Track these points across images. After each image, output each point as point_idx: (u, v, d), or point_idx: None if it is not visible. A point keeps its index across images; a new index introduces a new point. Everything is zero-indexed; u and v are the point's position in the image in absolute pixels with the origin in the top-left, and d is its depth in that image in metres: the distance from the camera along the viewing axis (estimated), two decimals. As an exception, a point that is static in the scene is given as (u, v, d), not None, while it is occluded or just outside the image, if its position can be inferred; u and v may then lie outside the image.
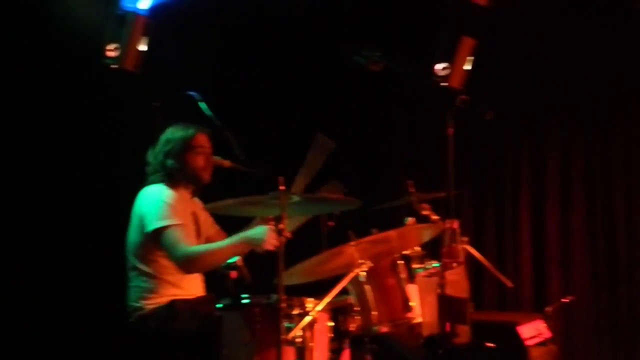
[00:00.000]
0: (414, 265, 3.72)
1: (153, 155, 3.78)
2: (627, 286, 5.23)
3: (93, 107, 4.84)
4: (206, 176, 3.76)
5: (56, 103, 4.81)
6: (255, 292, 3.43)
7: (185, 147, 3.72)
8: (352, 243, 3.50)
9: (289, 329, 3.20)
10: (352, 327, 3.57)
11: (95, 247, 4.79)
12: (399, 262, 3.67)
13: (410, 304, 3.61)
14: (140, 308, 3.64)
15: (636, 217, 5.26)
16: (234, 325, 3.30)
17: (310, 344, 3.27)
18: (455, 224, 3.54)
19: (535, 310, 5.07)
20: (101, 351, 4.59)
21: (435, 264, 3.72)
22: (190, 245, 3.53)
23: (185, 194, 3.77)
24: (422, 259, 3.77)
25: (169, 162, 3.73)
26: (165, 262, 3.61)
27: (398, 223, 3.78)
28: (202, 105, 3.99)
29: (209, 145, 3.79)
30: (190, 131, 3.75)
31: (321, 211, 3.72)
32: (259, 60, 5.21)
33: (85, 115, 4.85)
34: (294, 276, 3.42)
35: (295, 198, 3.22)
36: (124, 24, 4.35)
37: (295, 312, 3.27)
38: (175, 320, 3.57)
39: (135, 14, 4.38)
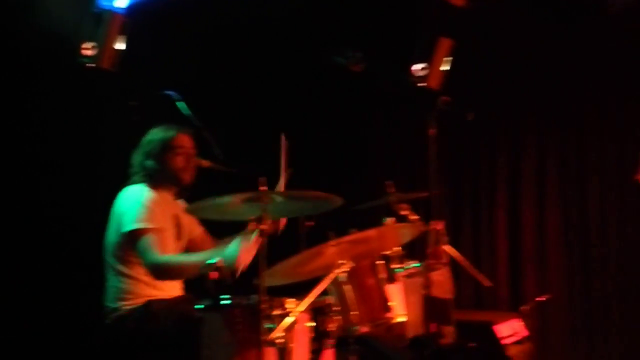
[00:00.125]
0: (394, 266, 3.73)
1: (135, 156, 3.75)
2: (601, 284, 5.30)
3: (70, 106, 4.78)
4: (186, 177, 3.74)
5: (32, 102, 4.75)
6: (236, 292, 3.41)
7: (164, 148, 3.70)
8: (332, 243, 3.49)
9: (270, 330, 3.19)
10: (332, 327, 3.56)
11: (71, 247, 4.73)
12: (378, 262, 3.67)
13: (390, 304, 3.61)
14: (117, 309, 3.61)
15: (610, 216, 5.33)
16: (214, 326, 3.27)
17: (291, 345, 3.25)
18: (440, 225, 3.56)
19: (512, 309, 5.12)
20: (77, 352, 4.54)
21: (415, 264, 3.74)
22: (162, 253, 3.51)
23: (167, 195, 3.74)
24: (401, 259, 3.78)
25: (149, 162, 3.71)
26: (143, 263, 3.59)
27: (377, 223, 3.79)
28: (181, 104, 3.97)
29: (191, 146, 3.77)
30: (171, 132, 3.73)
31: (302, 212, 3.70)
32: (238, 60, 5.19)
33: (62, 114, 4.80)
34: (274, 277, 3.41)
35: (278, 198, 3.20)
36: (100, 22, 4.31)
37: (276, 312, 3.26)
38: (152, 321, 3.55)
39: (112, 13, 4.34)
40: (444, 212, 3.76)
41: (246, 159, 4.00)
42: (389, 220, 3.83)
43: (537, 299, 4.84)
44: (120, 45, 4.35)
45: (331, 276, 3.39)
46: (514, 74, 5.46)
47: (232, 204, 3.20)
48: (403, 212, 4.03)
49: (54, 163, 4.77)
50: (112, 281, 3.65)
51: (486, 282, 4.34)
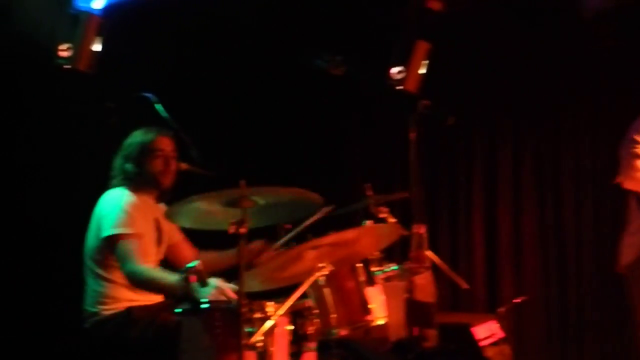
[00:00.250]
0: (373, 269, 3.74)
1: (116, 159, 3.72)
2: (577, 286, 5.36)
3: (46, 108, 4.73)
4: (166, 180, 3.72)
5: (7, 104, 4.70)
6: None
7: (143, 151, 3.68)
8: (311, 244, 3.47)
9: (250, 334, 3.18)
10: (311, 330, 3.56)
11: (50, 250, 4.69)
12: (358, 265, 3.68)
13: (369, 306, 3.62)
14: (96, 313, 3.59)
15: (585, 219, 5.39)
16: (194, 330, 3.26)
17: (271, 349, 3.25)
18: (422, 229, 3.57)
19: (488, 310, 5.16)
20: (55, 356, 4.49)
21: (394, 267, 3.75)
22: (141, 260, 3.48)
23: (148, 199, 3.72)
24: (380, 262, 3.79)
25: (128, 166, 3.69)
26: (123, 267, 3.56)
27: (356, 226, 3.79)
28: (158, 107, 3.95)
29: (171, 149, 3.74)
30: (150, 135, 3.71)
31: (283, 218, 3.67)
32: (217, 61, 5.16)
33: (38, 116, 4.75)
34: (253, 282, 3.40)
35: (261, 201, 3.18)
36: (77, 23, 4.28)
37: (256, 316, 3.25)
38: (132, 326, 3.53)
39: (89, 14, 4.31)
40: (422, 215, 3.77)
41: (224, 162, 3.99)
42: (368, 222, 3.84)
43: (514, 300, 4.88)
44: (97, 47, 4.32)
45: (311, 279, 3.39)
46: (490, 78, 5.50)
47: (211, 208, 3.16)
48: (382, 215, 4.04)
49: (31, 166, 4.72)
50: (91, 285, 3.62)
51: (464, 285, 4.37)
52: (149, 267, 3.53)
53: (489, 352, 4.35)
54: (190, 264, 3.32)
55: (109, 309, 3.57)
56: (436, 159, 5.58)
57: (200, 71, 5.13)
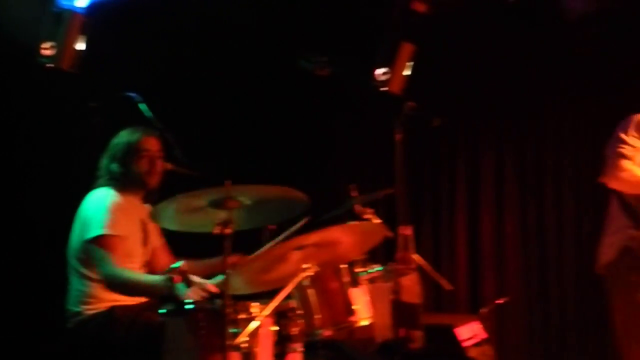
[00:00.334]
0: (357, 270, 3.74)
1: (102, 159, 3.71)
2: (558, 286, 5.41)
3: (28, 107, 4.70)
4: (151, 181, 3.70)
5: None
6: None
7: (129, 151, 3.66)
8: (295, 243, 3.46)
9: (234, 334, 3.17)
10: (295, 331, 3.56)
11: (34, 249, 4.65)
12: (342, 266, 3.68)
13: (353, 307, 3.62)
14: (80, 313, 3.56)
15: (566, 220, 5.44)
16: (177, 331, 3.25)
17: (255, 349, 3.24)
18: (409, 231, 3.58)
19: (471, 311, 5.19)
20: (38, 356, 4.46)
21: (378, 267, 3.76)
22: (121, 264, 3.47)
23: (134, 199, 3.70)
24: (364, 263, 3.80)
25: (114, 166, 3.67)
26: (107, 267, 3.53)
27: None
28: (142, 106, 3.93)
29: (157, 150, 3.73)
30: (137, 135, 3.69)
31: (268, 220, 3.66)
32: (202, 61, 5.15)
33: (21, 115, 4.71)
34: (239, 285, 3.39)
35: (246, 201, 3.17)
36: (60, 21, 4.24)
37: (241, 317, 3.24)
38: (115, 327, 3.51)
39: (72, 12, 4.27)
40: (408, 216, 3.80)
41: (210, 162, 3.98)
42: (352, 223, 3.84)
43: (496, 301, 4.92)
44: (81, 46, 4.29)
45: (296, 280, 3.38)
46: (473, 80, 5.53)
47: (196, 209, 3.15)
48: (366, 216, 4.05)
49: (15, 165, 4.68)
50: (75, 284, 3.60)
51: (447, 286, 4.39)
52: (126, 269, 3.51)
53: (472, 353, 4.37)
54: (174, 265, 3.32)
55: (92, 308, 3.55)
56: (419, 160, 5.60)
57: (185, 71, 5.12)
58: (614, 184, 3.75)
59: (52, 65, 4.21)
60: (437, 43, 5.24)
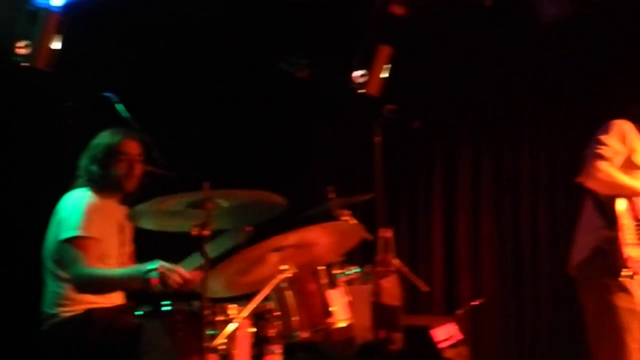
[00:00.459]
0: (335, 271, 3.74)
1: (82, 159, 3.67)
2: (532, 287, 5.46)
3: (3, 107, 4.63)
4: (129, 184, 3.67)
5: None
6: (177, 298, 3.36)
7: (109, 153, 3.63)
8: (273, 244, 3.45)
9: (212, 336, 3.16)
10: (272, 332, 3.55)
11: (10, 250, 4.59)
12: (319, 267, 3.68)
13: (331, 309, 3.63)
14: (55, 315, 3.52)
15: (541, 222, 5.49)
16: (154, 333, 3.23)
17: (233, 352, 3.23)
18: (389, 233, 3.59)
19: (447, 313, 5.22)
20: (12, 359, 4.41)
21: (356, 269, 3.76)
22: (93, 265, 3.44)
23: (112, 201, 3.67)
24: (342, 264, 3.80)
25: (93, 167, 3.64)
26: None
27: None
28: (119, 107, 3.90)
29: (137, 153, 3.70)
30: (117, 137, 3.66)
31: (246, 221, 3.66)
32: (180, 62, 5.13)
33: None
34: (216, 287, 3.37)
35: (224, 203, 3.16)
36: (35, 20, 4.21)
37: (218, 318, 3.23)
38: (91, 329, 3.47)
39: (48, 11, 4.24)
40: (385, 218, 3.83)
41: (187, 163, 3.96)
42: (329, 223, 3.85)
43: (472, 303, 4.95)
44: (56, 45, 4.25)
45: (274, 282, 3.38)
46: (450, 83, 5.57)
47: (174, 211, 3.14)
48: (344, 218, 4.05)
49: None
50: (51, 286, 3.56)
51: (423, 287, 4.41)
52: (96, 267, 3.48)
53: (448, 354, 4.40)
54: (151, 266, 3.30)
55: (68, 310, 3.51)
56: (396, 162, 5.63)
57: (163, 71, 5.09)
58: (590, 184, 3.79)
59: (27, 64, 4.17)
60: (414, 46, 5.27)
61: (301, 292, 3.59)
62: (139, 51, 4.97)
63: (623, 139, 3.81)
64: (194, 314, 3.19)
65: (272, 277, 3.39)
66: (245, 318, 3.32)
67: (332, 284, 3.68)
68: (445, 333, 4.54)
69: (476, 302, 4.98)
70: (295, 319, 3.54)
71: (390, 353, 3.38)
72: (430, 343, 4.37)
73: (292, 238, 3.45)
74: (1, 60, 4.22)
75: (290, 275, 3.44)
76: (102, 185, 3.63)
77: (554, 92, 5.49)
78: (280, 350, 3.41)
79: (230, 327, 3.18)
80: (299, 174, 5.60)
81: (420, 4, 4.79)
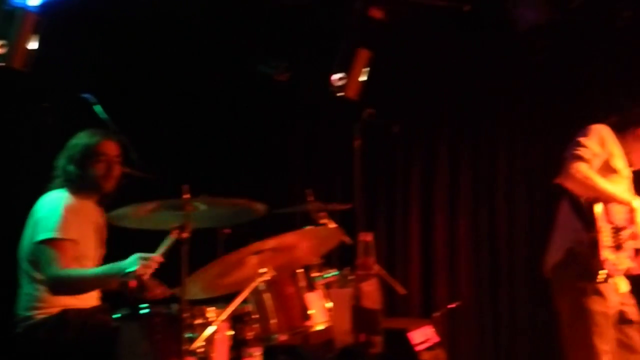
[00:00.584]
0: (313, 274, 3.75)
1: (59, 159, 3.64)
2: (508, 290, 5.51)
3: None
4: (107, 185, 3.65)
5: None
6: (155, 301, 3.35)
7: (87, 154, 3.61)
8: (253, 249, 3.46)
9: (190, 339, 3.15)
10: (250, 335, 3.55)
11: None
12: (298, 270, 3.68)
13: (309, 312, 3.63)
14: (29, 317, 3.48)
15: (517, 225, 5.54)
16: (132, 336, 3.21)
17: (212, 355, 3.22)
18: (369, 237, 3.60)
19: (424, 315, 5.25)
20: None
21: (334, 272, 3.77)
22: (66, 266, 3.41)
23: (89, 202, 3.64)
24: (320, 267, 3.81)
25: (71, 167, 3.61)
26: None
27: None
28: (97, 108, 3.88)
29: (116, 154, 3.68)
30: (95, 138, 3.63)
31: (225, 221, 3.66)
32: (160, 65, 5.10)
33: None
34: (195, 289, 3.37)
35: (201, 206, 3.16)
36: (12, 20, 4.16)
37: (197, 322, 3.22)
38: (65, 331, 3.44)
39: (25, 11, 4.20)
40: (364, 222, 3.86)
41: (165, 164, 3.95)
42: (309, 228, 3.86)
43: (448, 305, 4.98)
44: (33, 45, 4.21)
45: (253, 285, 3.38)
46: (428, 86, 5.60)
47: (153, 211, 3.14)
48: (322, 221, 4.06)
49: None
50: (26, 288, 3.52)
51: (401, 290, 4.43)
52: (71, 268, 3.45)
53: (425, 357, 4.42)
54: (129, 269, 3.28)
55: (43, 313, 3.48)
56: (374, 165, 5.65)
57: (142, 73, 5.06)
58: (568, 184, 3.82)
59: (3, 64, 4.12)
60: (393, 50, 5.29)
61: (279, 295, 3.60)
62: (116, 52, 4.93)
63: (602, 143, 3.86)
64: (173, 317, 3.18)
65: (250, 278, 3.39)
66: (223, 321, 3.31)
67: (311, 287, 3.69)
68: (423, 336, 4.56)
69: (453, 305, 5.01)
70: (273, 321, 3.54)
71: (370, 356, 3.39)
72: (408, 346, 4.38)
73: (271, 242, 3.46)
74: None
75: (268, 278, 3.44)
76: (79, 185, 3.61)
77: (531, 95, 5.54)
78: (260, 353, 3.41)
79: (209, 330, 3.17)
80: (278, 177, 5.60)
81: (399, 9, 4.82)
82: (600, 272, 3.73)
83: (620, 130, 3.94)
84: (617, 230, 3.83)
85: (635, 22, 5.06)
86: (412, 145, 5.70)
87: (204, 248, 3.73)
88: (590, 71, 5.37)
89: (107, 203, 3.65)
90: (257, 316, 3.54)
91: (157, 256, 3.30)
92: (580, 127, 3.93)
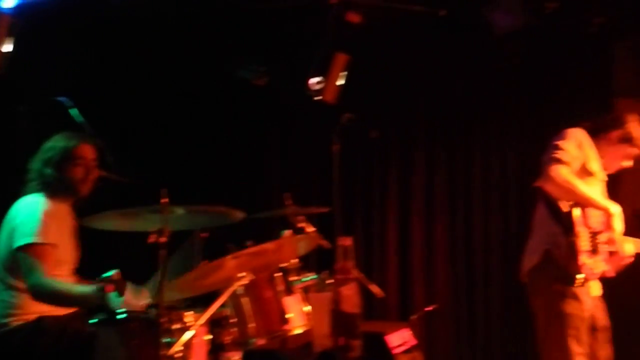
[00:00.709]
0: (291, 278, 3.75)
1: (34, 162, 3.60)
2: (484, 293, 5.56)
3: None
4: (84, 189, 3.63)
5: None
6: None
7: (65, 157, 3.58)
8: (232, 256, 3.47)
9: (168, 344, 3.13)
10: (228, 339, 3.54)
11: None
12: (276, 274, 3.68)
13: (287, 316, 3.63)
14: (5, 324, 3.45)
15: (493, 228, 5.59)
16: (109, 342, 3.18)
17: (190, 359, 3.21)
18: (348, 241, 3.60)
19: (401, 318, 5.27)
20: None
21: (313, 276, 3.78)
22: (48, 273, 3.38)
23: (65, 206, 3.62)
24: (299, 271, 3.81)
25: (48, 170, 3.57)
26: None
27: (274, 235, 3.81)
28: (73, 111, 3.85)
29: (93, 158, 3.66)
30: (73, 141, 3.61)
31: (203, 225, 3.66)
32: (136, 68, 5.08)
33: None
34: (172, 291, 3.35)
35: (179, 211, 3.16)
36: (-15, 23, 4.11)
37: (175, 326, 3.20)
38: (42, 337, 3.40)
39: (-1, 13, 4.15)
40: (342, 226, 3.87)
41: (142, 168, 3.93)
42: (287, 232, 3.86)
43: (425, 308, 5.01)
44: (7, 47, 4.16)
45: (232, 288, 3.37)
46: (404, 90, 5.63)
47: (131, 215, 3.13)
48: (300, 224, 4.06)
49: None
50: (1, 295, 3.48)
51: (379, 293, 4.44)
52: (55, 279, 3.43)
53: (402, 359, 4.44)
54: (106, 274, 3.26)
55: (19, 319, 3.44)
56: (351, 169, 5.66)
57: (118, 77, 5.04)
58: (548, 188, 3.84)
59: (-23, 67, 4.07)
60: (370, 54, 5.31)
61: (257, 298, 3.60)
62: (92, 55, 4.90)
63: (580, 146, 3.89)
64: (150, 322, 3.16)
65: (227, 280, 3.38)
66: (201, 325, 3.30)
67: (289, 290, 3.69)
68: (400, 339, 4.58)
69: (430, 308, 5.04)
70: (251, 325, 3.54)
71: (349, 360, 3.40)
72: (385, 349, 4.40)
73: (250, 250, 3.46)
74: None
75: (246, 282, 3.44)
76: (55, 189, 3.58)
77: (506, 100, 5.60)
78: (238, 357, 3.40)
79: (187, 335, 3.16)
80: (256, 181, 5.59)
81: (376, 13, 4.84)
82: (578, 276, 3.76)
83: (593, 135, 3.98)
84: (594, 234, 3.86)
85: (605, 29, 5.15)
86: (389, 149, 5.73)
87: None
88: (563, 77, 5.44)
89: (80, 206, 3.63)
90: (235, 320, 3.54)
91: (145, 295, 3.28)
92: (555, 131, 3.96)
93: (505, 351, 5.47)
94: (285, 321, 3.61)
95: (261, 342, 3.56)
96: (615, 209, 3.88)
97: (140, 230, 3.14)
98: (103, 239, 3.70)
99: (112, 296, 3.26)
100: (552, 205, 3.86)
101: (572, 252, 3.76)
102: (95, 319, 3.28)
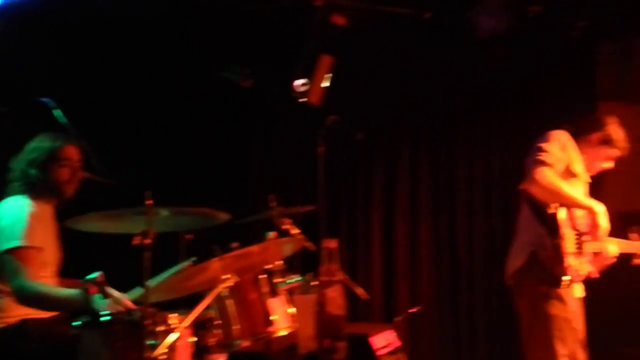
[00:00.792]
0: (276, 280, 3.75)
1: (17, 162, 3.57)
2: (468, 294, 5.58)
3: None
4: (69, 190, 3.61)
5: None
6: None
7: (50, 158, 3.56)
8: (217, 258, 3.46)
9: (152, 347, 3.12)
10: (212, 341, 3.53)
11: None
12: (261, 276, 3.68)
13: (271, 318, 3.62)
14: (-13, 327, 3.42)
15: (475, 231, 5.61)
16: (93, 344, 3.17)
17: (174, 362, 3.20)
18: (333, 244, 3.60)
19: (385, 320, 5.28)
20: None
21: (297, 278, 3.77)
22: (32, 275, 3.36)
23: (49, 207, 3.59)
24: (283, 273, 3.80)
25: (32, 171, 3.54)
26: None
27: (259, 237, 3.80)
28: (57, 112, 3.82)
29: (78, 159, 3.64)
30: (58, 142, 3.58)
31: (187, 226, 3.65)
32: (122, 70, 5.05)
33: None
34: (157, 293, 3.34)
35: (164, 212, 3.15)
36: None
37: (159, 329, 3.19)
38: (24, 340, 3.38)
39: (-19, 13, 4.12)
40: (326, 227, 3.87)
41: (127, 170, 3.91)
42: (272, 234, 3.85)
43: (409, 310, 5.02)
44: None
45: (216, 290, 3.36)
46: (389, 92, 5.65)
47: (115, 216, 3.11)
48: (285, 226, 4.06)
49: None
50: (-16, 297, 3.45)
51: (363, 295, 4.44)
52: (40, 282, 3.40)
53: (386, 361, 4.45)
54: (90, 276, 3.24)
55: (1, 322, 3.42)
56: (336, 171, 5.67)
57: (102, 78, 5.01)
58: (533, 190, 3.85)
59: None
60: (355, 56, 5.32)
61: (242, 300, 3.59)
62: (76, 56, 4.87)
63: (563, 148, 3.91)
64: (134, 324, 3.15)
65: (211, 281, 3.37)
66: (186, 327, 3.29)
67: (273, 292, 3.68)
68: (384, 340, 4.58)
69: (414, 309, 5.05)
70: (236, 327, 3.53)
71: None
72: (369, 351, 4.40)
73: (235, 253, 3.45)
74: None
75: (231, 284, 3.43)
76: (40, 190, 3.55)
77: (490, 103, 5.63)
78: (223, 359, 3.39)
79: (171, 337, 3.15)
80: (241, 183, 5.58)
81: (361, 16, 4.85)
82: (564, 278, 3.77)
83: (574, 137, 4.00)
84: (579, 235, 3.88)
85: (588, 32, 5.19)
86: (373, 151, 5.74)
87: (166, 252, 3.72)
88: (546, 80, 5.47)
89: (64, 208, 3.61)
90: (219, 322, 3.53)
91: (128, 301, 3.27)
92: (539, 134, 3.98)
93: (490, 352, 5.49)
94: (270, 323, 3.60)
95: (246, 344, 3.55)
96: (600, 207, 3.91)
97: (124, 232, 3.13)
98: (87, 240, 3.69)
99: (96, 298, 3.24)
100: (537, 207, 3.86)
101: (557, 254, 3.78)
102: (78, 321, 3.26)
